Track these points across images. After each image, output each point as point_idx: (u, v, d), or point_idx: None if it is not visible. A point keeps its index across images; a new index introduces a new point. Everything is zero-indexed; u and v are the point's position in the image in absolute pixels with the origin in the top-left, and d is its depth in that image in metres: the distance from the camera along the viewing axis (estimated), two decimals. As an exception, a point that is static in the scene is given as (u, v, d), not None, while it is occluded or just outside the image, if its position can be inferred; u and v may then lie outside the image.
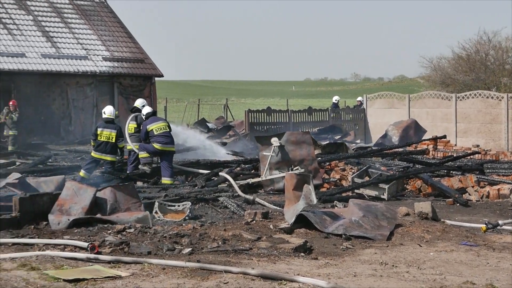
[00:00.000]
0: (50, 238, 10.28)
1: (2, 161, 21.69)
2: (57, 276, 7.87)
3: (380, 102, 35.69)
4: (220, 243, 10.07)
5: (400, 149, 21.44)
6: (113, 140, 17.20)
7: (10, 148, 26.80)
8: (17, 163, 21.26)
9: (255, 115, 33.12)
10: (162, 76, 37.06)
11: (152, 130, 16.90)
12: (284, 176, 13.76)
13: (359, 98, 37.54)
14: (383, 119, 34.13)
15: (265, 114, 33.43)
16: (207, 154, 23.38)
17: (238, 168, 17.67)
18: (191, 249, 9.59)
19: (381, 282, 8.12)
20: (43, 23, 35.35)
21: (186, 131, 28.50)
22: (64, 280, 7.74)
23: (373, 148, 24.52)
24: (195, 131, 29.97)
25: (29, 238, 10.37)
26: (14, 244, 9.91)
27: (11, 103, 28.21)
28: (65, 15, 36.76)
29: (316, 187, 15.08)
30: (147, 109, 17.47)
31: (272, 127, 32.64)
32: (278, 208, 13.32)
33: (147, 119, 17.20)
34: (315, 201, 11.75)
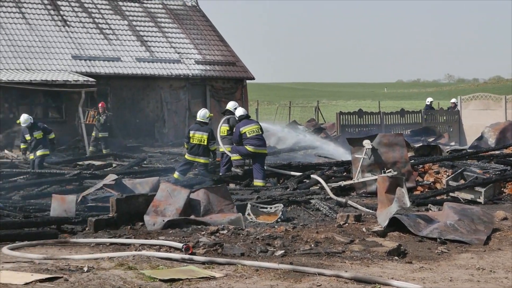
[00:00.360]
0: (146, 239, 10.50)
1: (99, 163, 22.29)
2: (153, 275, 8.02)
3: (475, 103, 34.88)
4: (312, 245, 10.05)
5: (497, 152, 20.88)
6: (205, 143, 17.38)
7: (104, 151, 27.24)
8: (114, 165, 21.80)
9: (346, 117, 32.96)
10: (253, 78, 37.30)
11: (245, 132, 16.99)
12: (376, 179, 13.61)
13: (453, 100, 36.79)
14: (479, 121, 33.32)
15: (356, 116, 33.23)
16: (321, 154, 23.34)
17: (330, 171, 17.59)
18: (283, 251, 9.60)
19: (478, 288, 7.93)
20: (137, 28, 36.14)
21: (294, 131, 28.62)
22: (160, 280, 7.87)
23: (468, 150, 23.98)
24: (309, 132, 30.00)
25: (126, 238, 10.62)
26: (111, 244, 10.17)
27: (100, 105, 28.40)
28: (159, 19, 37.46)
29: (409, 190, 14.85)
30: (240, 111, 17.56)
31: (364, 129, 32.38)
32: (370, 211, 13.19)
33: (240, 121, 17.30)
34: (408, 204, 11.58)
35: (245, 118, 17.44)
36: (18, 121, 20.84)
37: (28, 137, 19.91)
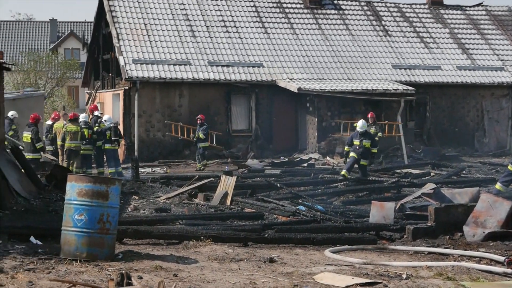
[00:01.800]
0: (465, 250, 10.31)
1: (417, 171, 22.31)
2: (473, 288, 7.84)
3: None
4: None
5: None
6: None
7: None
8: (432, 174, 21.67)
9: None
10: None
11: None
12: None
13: None
14: None
15: None
16: None
17: None
18: None
19: None
20: (459, 35, 35.56)
21: None
22: (481, 294, 7.68)
23: None
24: None
25: (444, 248, 10.52)
26: (430, 253, 10.14)
27: (369, 115, 25.30)
28: (481, 26, 36.53)
29: None
30: None
31: None
32: None
33: None
34: None
35: None
36: (355, 125, 21.47)
37: (356, 142, 20.17)
